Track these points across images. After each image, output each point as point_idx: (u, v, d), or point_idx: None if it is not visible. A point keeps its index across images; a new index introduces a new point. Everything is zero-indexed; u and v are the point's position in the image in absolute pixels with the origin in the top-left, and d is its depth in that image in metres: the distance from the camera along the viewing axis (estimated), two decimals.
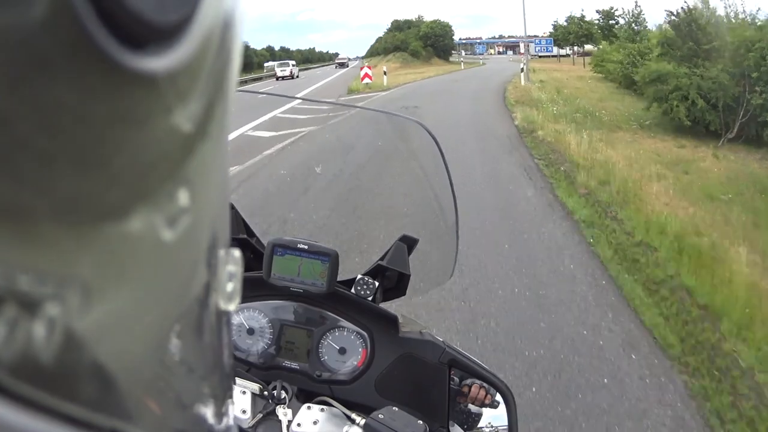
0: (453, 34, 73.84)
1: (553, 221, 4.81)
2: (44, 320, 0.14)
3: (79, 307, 0.15)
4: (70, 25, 0.13)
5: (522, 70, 20.98)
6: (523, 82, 20.40)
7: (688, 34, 12.07)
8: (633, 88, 20.82)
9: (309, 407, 0.81)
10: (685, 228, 4.63)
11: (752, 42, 10.77)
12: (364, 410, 0.80)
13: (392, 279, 0.94)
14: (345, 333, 0.92)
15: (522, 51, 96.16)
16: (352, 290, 0.93)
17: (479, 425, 0.88)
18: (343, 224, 4.01)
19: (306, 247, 0.89)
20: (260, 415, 0.78)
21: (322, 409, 0.81)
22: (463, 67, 44.96)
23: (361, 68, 20.19)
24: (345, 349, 0.92)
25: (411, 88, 21.31)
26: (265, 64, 43.30)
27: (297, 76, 34.55)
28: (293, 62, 39.92)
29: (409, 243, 0.93)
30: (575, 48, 70.42)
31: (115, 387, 0.17)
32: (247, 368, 0.90)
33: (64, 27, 0.13)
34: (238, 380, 0.80)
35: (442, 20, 71.83)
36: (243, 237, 0.98)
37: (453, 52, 76.29)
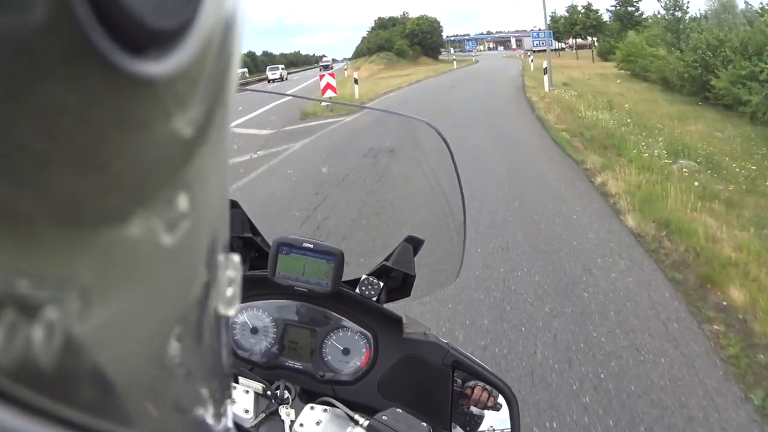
0: (441, 31, 68.47)
1: None
2: (43, 324, 0.14)
3: (78, 311, 0.15)
4: (69, 29, 0.13)
5: (545, 71, 15.53)
6: (547, 88, 15.03)
7: None
8: (701, 94, 15.70)
9: (312, 407, 0.80)
10: None
11: None
12: (367, 411, 0.80)
13: (397, 279, 0.93)
14: (349, 333, 0.91)
15: (514, 46, 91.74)
16: (357, 290, 0.92)
17: (481, 428, 0.88)
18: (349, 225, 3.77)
19: (311, 246, 0.88)
20: (263, 415, 0.78)
21: (325, 410, 0.80)
22: (456, 66, 39.54)
23: (321, 76, 12.66)
24: (348, 349, 0.91)
25: (392, 102, 16.22)
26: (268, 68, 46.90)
27: (286, 79, 37.21)
28: (282, 66, 44.74)
29: (414, 244, 0.92)
30: (574, 41, 65.41)
31: (115, 391, 0.17)
32: (250, 367, 0.89)
33: (64, 31, 0.13)
34: (241, 379, 0.80)
35: (429, 16, 66.47)
36: (248, 236, 0.96)
37: (442, 49, 71.01)
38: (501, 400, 0.86)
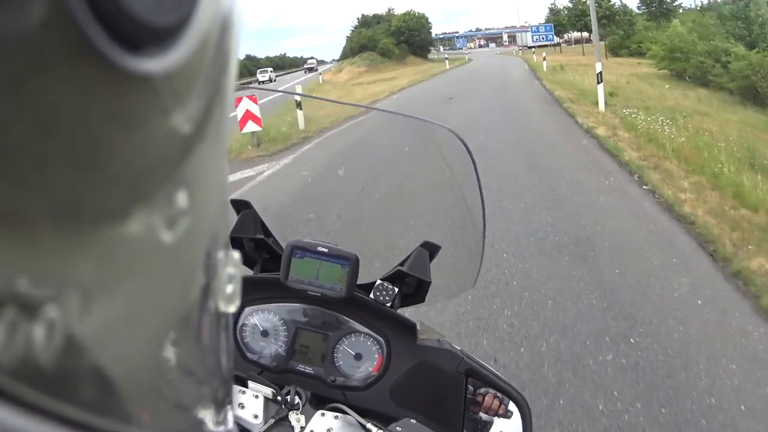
0: (430, 28, 63.07)
1: None
2: (44, 323, 0.14)
3: (78, 309, 0.15)
4: (67, 27, 0.13)
5: (599, 80, 10.08)
6: (602, 107, 9.74)
7: None
8: None
9: (323, 414, 0.79)
10: None
11: None
12: (378, 417, 0.79)
13: (412, 285, 0.92)
14: (361, 338, 0.90)
15: (506, 43, 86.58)
16: (371, 295, 0.91)
17: None
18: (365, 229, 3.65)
19: (326, 250, 0.87)
20: (272, 421, 0.77)
21: (336, 417, 0.79)
22: (448, 66, 34.15)
23: (238, 100, 7.49)
24: (361, 354, 0.90)
25: (357, 138, 6.95)
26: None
27: (274, 80, 39.13)
28: (271, 69, 47.89)
29: (430, 249, 0.91)
30: (581, 34, 60.42)
31: (115, 389, 0.17)
32: (259, 371, 0.88)
33: (62, 29, 0.13)
34: (250, 384, 0.79)
35: (416, 12, 60.98)
36: (260, 237, 0.94)
37: (431, 48, 65.75)
38: (511, 407, 0.85)
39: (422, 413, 0.83)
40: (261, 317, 0.90)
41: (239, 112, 7.69)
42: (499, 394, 0.86)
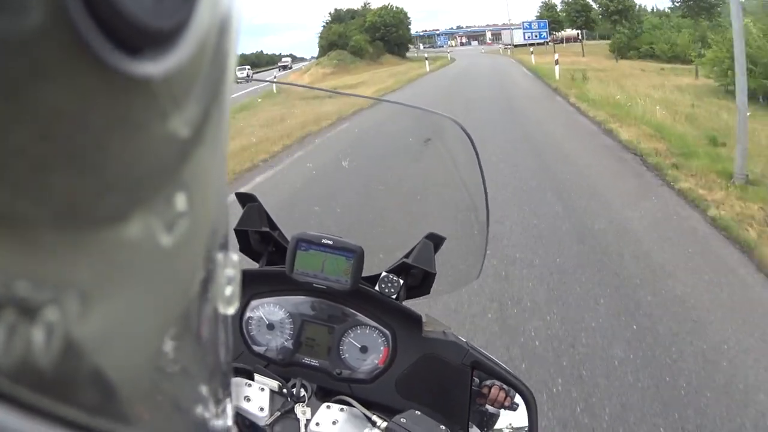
0: (409, 23, 57.42)
1: None
2: (43, 326, 0.14)
3: (77, 312, 0.15)
4: (65, 31, 0.13)
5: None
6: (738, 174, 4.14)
7: None
8: None
9: (329, 406, 0.78)
10: None
11: None
12: (384, 410, 0.78)
13: (417, 277, 0.93)
14: (367, 331, 0.90)
15: (489, 41, 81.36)
16: (376, 287, 0.91)
17: (496, 426, 0.88)
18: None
19: (331, 242, 0.87)
20: (278, 413, 0.77)
21: (342, 409, 0.78)
22: (428, 68, 28.48)
23: None
24: (366, 347, 0.90)
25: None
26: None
27: (251, 79, 37.10)
28: (248, 67, 46.50)
29: (435, 241, 0.91)
30: (566, 33, 55.34)
31: (114, 391, 0.17)
32: (265, 364, 0.88)
33: (60, 33, 0.13)
34: (256, 377, 0.79)
35: (394, 6, 55.21)
36: (265, 230, 0.95)
37: (410, 46, 60.26)
38: (517, 399, 0.85)
39: (428, 405, 0.83)
40: (266, 310, 0.91)
41: None
42: (504, 386, 0.86)
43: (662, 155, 5.97)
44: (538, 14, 46.49)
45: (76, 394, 0.16)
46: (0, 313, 0.13)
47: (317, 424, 0.75)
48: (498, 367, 0.86)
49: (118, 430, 0.17)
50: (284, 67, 56.08)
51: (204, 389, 0.24)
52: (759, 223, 3.88)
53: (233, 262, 0.24)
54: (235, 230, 0.94)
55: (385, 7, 54.64)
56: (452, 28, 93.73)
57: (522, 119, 9.69)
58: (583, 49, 35.08)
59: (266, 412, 0.75)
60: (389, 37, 51.62)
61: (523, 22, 41.93)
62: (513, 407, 0.85)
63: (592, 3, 35.40)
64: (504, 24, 76.07)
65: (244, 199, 0.95)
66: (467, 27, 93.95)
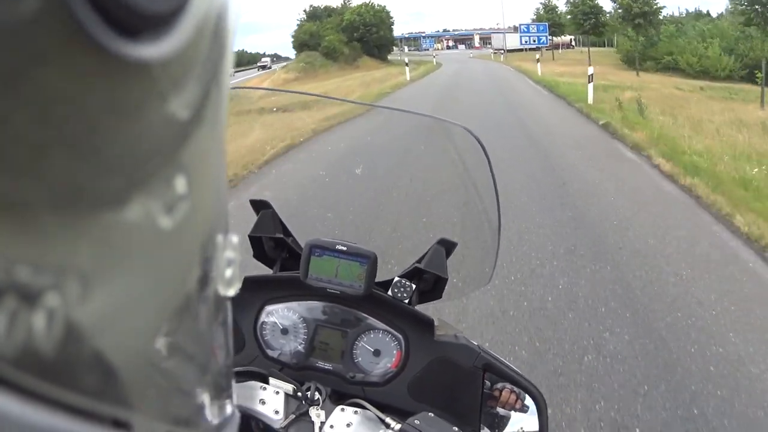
0: (392, 24, 52.00)
1: None
2: (44, 311, 0.14)
3: (78, 297, 0.15)
4: (63, 15, 0.13)
5: None
6: None
7: None
8: None
9: (343, 409, 0.80)
10: None
11: None
12: (397, 413, 0.79)
13: (429, 282, 0.93)
14: (380, 335, 0.92)
15: (477, 44, 76.32)
16: (389, 292, 0.92)
17: (507, 428, 0.88)
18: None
19: (344, 248, 0.88)
20: (293, 416, 0.78)
21: (356, 412, 0.80)
22: (408, 77, 23.07)
23: None
24: (379, 351, 0.91)
25: None
26: None
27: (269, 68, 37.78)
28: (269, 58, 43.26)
29: (447, 246, 0.92)
30: (562, 39, 50.57)
31: (116, 375, 0.17)
32: (280, 368, 0.90)
33: (58, 17, 0.13)
34: (271, 380, 0.81)
35: (375, 4, 49.73)
36: (279, 236, 0.96)
37: (394, 47, 54.99)
38: (528, 402, 0.86)
39: (440, 408, 0.84)
40: (281, 315, 0.92)
41: None
42: (515, 389, 0.87)
43: None
44: (535, 17, 41.53)
45: (78, 378, 0.16)
46: (1, 299, 0.13)
47: (332, 426, 0.77)
48: (509, 369, 0.87)
49: (119, 413, 0.17)
50: (263, 68, 51.60)
51: (206, 373, 0.24)
52: None
53: (233, 245, 0.24)
54: (250, 237, 0.95)
55: (365, 5, 49.19)
56: (438, 31, 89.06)
57: (605, 243, 3.96)
58: (589, 57, 30.15)
59: (281, 415, 0.76)
60: (369, 37, 46.18)
61: (520, 25, 36.95)
62: (524, 409, 0.86)
63: (607, 3, 30.36)
64: (492, 28, 71.58)
65: (258, 205, 0.96)
66: (454, 30, 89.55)
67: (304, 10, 52.37)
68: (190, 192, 0.18)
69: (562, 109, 11.59)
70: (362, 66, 38.92)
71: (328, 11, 52.14)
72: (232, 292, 0.24)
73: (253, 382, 0.79)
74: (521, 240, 3.82)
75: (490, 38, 69.91)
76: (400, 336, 0.90)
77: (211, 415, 0.24)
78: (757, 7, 16.38)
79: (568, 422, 2.10)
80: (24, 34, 0.12)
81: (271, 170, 5.65)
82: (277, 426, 0.75)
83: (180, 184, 0.18)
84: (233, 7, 0.19)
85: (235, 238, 0.24)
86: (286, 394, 0.78)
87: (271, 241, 0.95)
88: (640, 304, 2.96)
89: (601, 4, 30.25)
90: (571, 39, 55.60)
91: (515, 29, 48.79)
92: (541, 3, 38.93)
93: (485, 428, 0.87)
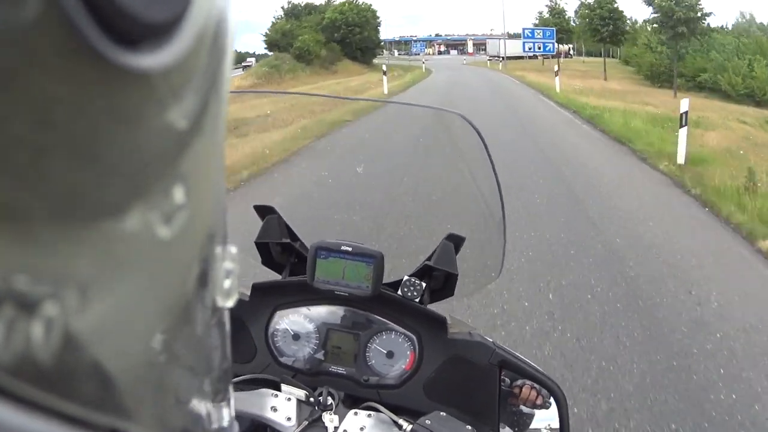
0: (379, 24, 46.89)
1: None
2: (42, 320, 0.14)
3: (76, 306, 0.15)
4: (62, 24, 0.13)
5: None
6: None
7: None
8: None
9: (356, 413, 0.80)
10: None
11: None
12: (413, 415, 0.78)
13: (439, 279, 0.92)
14: (392, 336, 0.91)
15: (470, 50, 71.70)
16: (399, 292, 0.91)
17: (532, 426, 0.87)
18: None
19: (350, 249, 0.87)
20: (306, 423, 0.77)
21: (369, 415, 0.79)
22: (388, 90, 17.98)
23: None
24: (393, 352, 0.91)
25: None
26: None
27: None
28: None
29: (455, 241, 0.91)
30: (562, 47, 45.90)
31: (114, 385, 0.17)
32: (293, 374, 0.89)
33: (57, 26, 0.13)
34: (283, 387, 0.80)
35: (360, 2, 44.60)
36: (286, 241, 0.96)
37: (384, 51, 50.00)
38: (548, 397, 0.84)
39: (457, 407, 0.83)
40: (291, 321, 0.91)
41: None
42: (536, 385, 0.86)
43: None
44: (537, 22, 36.82)
45: (76, 388, 0.16)
46: None
47: (345, 431, 0.76)
48: (525, 364, 0.86)
49: (117, 424, 0.17)
50: (247, 68, 46.25)
51: (205, 383, 0.23)
52: None
53: (232, 255, 0.24)
54: (256, 243, 0.95)
55: (349, 2, 44.08)
56: (431, 36, 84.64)
57: None
58: (605, 71, 25.36)
59: (293, 421, 0.76)
60: (351, 39, 41.16)
61: (523, 29, 32.25)
62: (546, 405, 0.85)
63: (627, 8, 25.58)
64: (486, 34, 67.31)
65: (263, 211, 0.95)
66: (446, 35, 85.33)
67: (282, 7, 47.05)
68: (188, 201, 0.18)
69: (645, 178, 6.32)
70: (341, 71, 33.94)
71: (309, 8, 46.99)
72: (230, 303, 0.24)
73: (264, 390, 0.79)
74: None
75: (484, 44, 65.38)
76: (413, 336, 0.89)
77: (208, 424, 0.24)
78: None
79: None
80: (23, 43, 0.12)
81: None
82: None
83: (179, 193, 0.17)
84: (232, 17, 0.19)
85: (233, 249, 0.24)
86: (299, 401, 0.78)
87: (278, 246, 0.95)
88: None
89: (621, 9, 25.52)
90: (569, 47, 51.18)
91: (509, 36, 44.23)
92: (546, 5, 34.12)
93: (506, 427, 0.86)
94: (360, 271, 0.86)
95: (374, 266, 0.85)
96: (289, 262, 0.95)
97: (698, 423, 2.11)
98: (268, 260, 0.96)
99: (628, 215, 4.64)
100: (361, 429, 0.76)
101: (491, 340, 0.87)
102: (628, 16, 25.66)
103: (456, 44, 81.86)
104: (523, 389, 0.86)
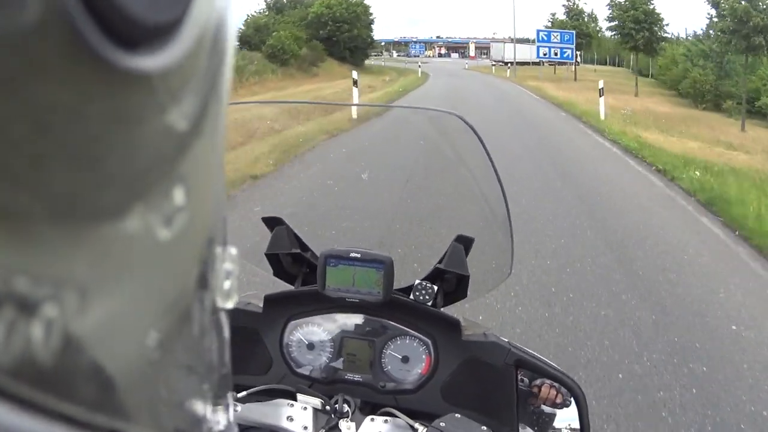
0: (372, 21, 42.13)
1: None
2: (42, 322, 0.14)
3: (76, 308, 0.15)
4: (62, 26, 0.13)
5: None
6: None
7: None
8: None
9: (372, 419, 0.80)
10: None
11: None
12: (431, 419, 0.78)
13: (451, 282, 0.93)
14: (407, 341, 0.91)
15: (472, 54, 65.67)
16: (411, 296, 0.91)
17: (555, 425, 0.86)
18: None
19: (359, 255, 0.88)
20: (323, 431, 0.77)
21: (386, 421, 0.80)
22: (356, 112, 13.36)
23: None
24: (408, 357, 0.91)
25: None
26: None
27: None
28: None
29: (465, 243, 0.91)
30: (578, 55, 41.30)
31: (114, 387, 0.17)
32: (309, 384, 0.90)
33: (57, 28, 0.13)
34: (299, 396, 0.80)
35: None
36: (296, 252, 0.96)
37: (382, 52, 45.50)
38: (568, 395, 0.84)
39: (475, 409, 0.83)
40: (305, 331, 0.92)
41: None
42: (555, 384, 0.85)
43: None
44: (548, 25, 32.20)
45: (75, 389, 0.16)
46: None
47: None
48: (542, 363, 0.85)
49: (116, 425, 0.17)
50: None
51: (205, 385, 0.23)
52: None
53: (232, 256, 0.24)
54: (266, 255, 0.95)
55: None
56: (431, 38, 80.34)
57: None
58: (636, 87, 20.74)
59: (310, 430, 0.77)
60: (339, 36, 36.50)
61: (538, 31, 27.62)
62: (566, 404, 0.84)
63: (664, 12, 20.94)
64: (487, 37, 63.13)
65: (272, 222, 0.95)
66: (447, 38, 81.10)
67: (266, 1, 42.14)
68: (188, 203, 0.18)
69: None
70: (323, 73, 29.27)
71: (295, 2, 42.21)
72: (230, 304, 0.24)
73: (280, 400, 0.79)
74: None
75: (486, 48, 60.93)
76: (427, 340, 0.90)
77: (208, 427, 0.24)
78: None
79: None
80: (23, 45, 0.12)
81: None
82: None
83: (178, 195, 0.18)
84: (232, 18, 0.19)
85: (233, 250, 0.24)
86: (315, 409, 0.78)
87: (289, 257, 0.95)
88: None
89: (658, 11, 20.81)
90: (576, 54, 46.79)
91: (511, 40, 39.70)
92: (563, 5, 29.42)
93: (527, 427, 0.85)
94: (370, 277, 0.86)
95: (384, 271, 0.86)
96: (300, 272, 0.96)
97: None
98: (279, 271, 0.97)
99: None
100: None
101: (506, 340, 0.88)
102: (665, 22, 20.95)
103: (457, 47, 77.62)
104: (543, 388, 0.85)
